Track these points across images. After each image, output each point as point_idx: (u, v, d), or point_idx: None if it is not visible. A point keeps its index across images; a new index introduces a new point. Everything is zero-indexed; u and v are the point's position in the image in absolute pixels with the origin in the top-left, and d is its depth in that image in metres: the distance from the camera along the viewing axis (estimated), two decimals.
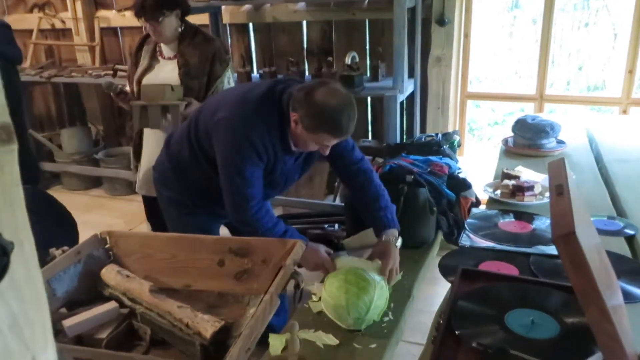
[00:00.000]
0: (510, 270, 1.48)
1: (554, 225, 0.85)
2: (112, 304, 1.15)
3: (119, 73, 3.62)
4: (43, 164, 4.34)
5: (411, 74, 3.36)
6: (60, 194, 4.43)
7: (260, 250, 1.25)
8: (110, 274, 1.23)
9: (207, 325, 1.03)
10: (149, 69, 2.53)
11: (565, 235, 0.80)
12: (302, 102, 1.64)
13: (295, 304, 1.21)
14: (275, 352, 1.45)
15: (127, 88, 2.64)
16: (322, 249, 1.73)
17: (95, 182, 4.47)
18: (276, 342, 1.50)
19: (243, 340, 0.92)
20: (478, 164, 3.51)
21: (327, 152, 1.77)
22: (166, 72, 2.51)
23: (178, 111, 2.38)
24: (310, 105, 1.63)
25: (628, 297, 1.31)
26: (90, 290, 1.24)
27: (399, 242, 1.87)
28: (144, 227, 3.37)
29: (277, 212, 3.59)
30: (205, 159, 1.81)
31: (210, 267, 1.27)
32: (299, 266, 1.76)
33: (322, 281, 1.68)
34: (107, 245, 1.33)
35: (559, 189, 0.96)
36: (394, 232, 1.87)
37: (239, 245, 1.27)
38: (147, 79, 2.52)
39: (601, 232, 1.69)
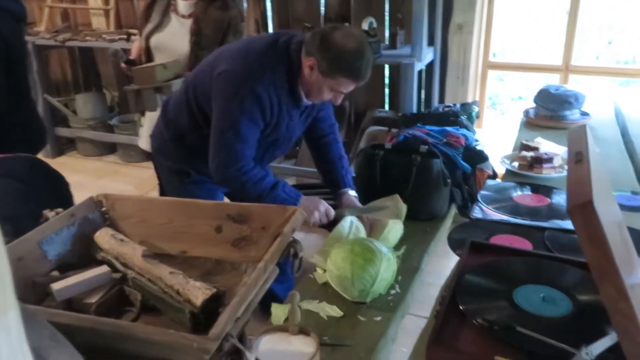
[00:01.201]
0: (524, 244, 1.40)
1: (569, 194, 0.78)
2: (103, 268, 1.10)
3: (132, 37, 3.57)
4: (58, 129, 4.35)
5: (431, 42, 3.24)
6: (74, 160, 4.46)
7: (259, 216, 1.20)
8: (104, 237, 1.19)
9: (198, 292, 0.98)
10: (159, 26, 2.46)
11: (581, 205, 0.72)
12: (319, 46, 1.58)
13: (294, 273, 1.16)
14: (277, 322, 1.42)
15: (135, 45, 2.58)
16: (323, 203, 1.73)
17: (110, 149, 4.48)
18: (278, 312, 1.46)
19: (231, 309, 0.87)
20: (497, 137, 3.40)
21: (339, 100, 1.72)
22: (177, 36, 2.44)
23: (171, 91, 2.31)
24: (328, 48, 1.57)
25: None
26: (84, 254, 1.20)
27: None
28: (155, 194, 3.35)
29: (290, 182, 3.54)
30: (205, 122, 1.75)
31: (208, 233, 1.22)
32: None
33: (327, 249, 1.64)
34: (103, 209, 1.29)
35: (578, 156, 0.88)
36: (354, 192, 1.94)
37: (237, 211, 1.21)
38: (157, 37, 2.46)
39: (624, 207, 1.60)
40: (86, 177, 3.94)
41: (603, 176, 1.09)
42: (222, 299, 1.02)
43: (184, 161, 1.90)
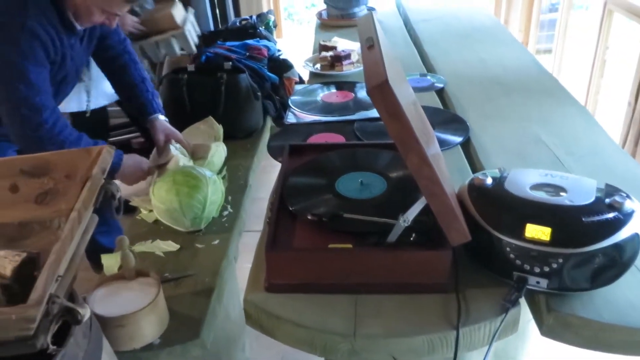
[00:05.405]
0: (338, 139, 1.48)
1: (367, 78, 0.81)
2: None
3: None
4: None
5: None
6: None
7: (60, 165, 1.07)
8: None
9: (4, 262, 0.86)
10: None
11: (378, 85, 0.76)
12: None
13: (114, 216, 1.07)
14: (111, 272, 1.33)
15: None
16: (145, 161, 1.63)
17: None
18: (110, 262, 1.37)
19: (48, 269, 0.78)
20: (298, 45, 3.46)
21: (114, 23, 1.54)
22: None
23: None
24: None
25: (444, 144, 1.39)
26: None
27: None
28: None
29: None
30: None
31: (2, 196, 1.06)
32: None
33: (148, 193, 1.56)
34: None
35: (369, 42, 0.92)
36: (164, 117, 1.81)
37: (32, 164, 1.06)
38: None
39: (415, 89, 1.76)
40: None
41: (394, 61, 1.17)
42: (36, 262, 0.91)
43: None
